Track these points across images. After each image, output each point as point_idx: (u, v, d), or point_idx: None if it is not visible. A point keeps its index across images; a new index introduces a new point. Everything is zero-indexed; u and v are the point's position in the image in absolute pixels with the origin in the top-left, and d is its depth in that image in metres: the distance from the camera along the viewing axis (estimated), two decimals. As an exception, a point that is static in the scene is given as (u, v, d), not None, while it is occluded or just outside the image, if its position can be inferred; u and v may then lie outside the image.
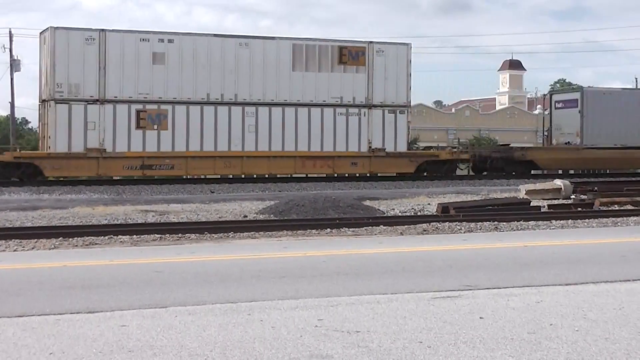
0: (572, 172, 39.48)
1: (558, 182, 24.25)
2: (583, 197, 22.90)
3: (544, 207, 20.52)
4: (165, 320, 6.87)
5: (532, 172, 37.11)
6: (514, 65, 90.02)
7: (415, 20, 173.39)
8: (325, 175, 34.27)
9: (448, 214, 18.44)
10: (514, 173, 35.63)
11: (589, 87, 39.12)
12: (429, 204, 22.00)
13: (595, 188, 24.25)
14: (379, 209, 20.13)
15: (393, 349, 5.90)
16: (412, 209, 20.88)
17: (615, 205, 21.12)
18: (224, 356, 5.72)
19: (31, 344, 6.04)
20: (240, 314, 7.15)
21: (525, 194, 23.30)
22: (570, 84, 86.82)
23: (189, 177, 32.37)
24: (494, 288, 8.52)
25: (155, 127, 30.88)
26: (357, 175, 35.36)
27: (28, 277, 9.38)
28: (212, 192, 27.38)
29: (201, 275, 9.47)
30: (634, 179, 33.16)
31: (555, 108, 39.83)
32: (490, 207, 19.46)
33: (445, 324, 6.71)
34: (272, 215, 18.79)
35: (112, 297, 7.99)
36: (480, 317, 7.00)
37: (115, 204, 21.97)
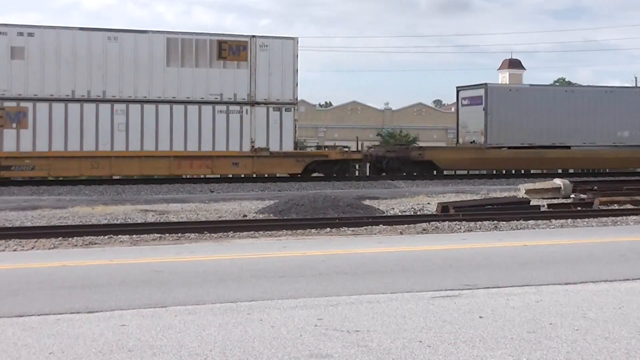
0: (571, 171, 39.17)
1: (558, 182, 24.26)
2: (583, 196, 22.91)
3: (543, 206, 20.53)
4: (165, 320, 6.87)
5: (444, 173, 35.85)
6: (514, 64, 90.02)
7: (414, 19, 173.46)
8: (323, 175, 34.26)
9: (448, 214, 18.45)
10: (415, 174, 34.40)
11: (493, 83, 37.15)
12: (428, 203, 22.01)
13: (595, 187, 24.25)
14: (378, 209, 20.14)
15: (393, 348, 5.90)
16: (412, 208, 20.88)
17: (615, 205, 21.12)
18: (224, 355, 5.72)
19: (31, 344, 6.04)
20: (240, 313, 7.15)
21: (525, 193, 23.30)
22: (570, 83, 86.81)
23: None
24: (493, 287, 8.52)
25: (14, 125, 29.19)
26: (357, 174, 35.36)
27: (28, 277, 9.37)
28: (212, 192, 27.38)
29: (201, 275, 9.47)
30: (634, 178, 33.08)
31: (462, 105, 37.97)
32: (490, 207, 19.47)
33: (445, 323, 6.71)
34: (271, 215, 18.80)
35: (112, 296, 7.99)
36: (480, 317, 7.00)
37: (115, 204, 21.97)
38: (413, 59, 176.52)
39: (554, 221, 17.12)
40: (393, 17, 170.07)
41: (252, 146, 31.70)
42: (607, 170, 39.19)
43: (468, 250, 12.17)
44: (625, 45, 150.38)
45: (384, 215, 19.01)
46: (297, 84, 32.39)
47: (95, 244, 13.68)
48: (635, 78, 74.48)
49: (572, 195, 23.32)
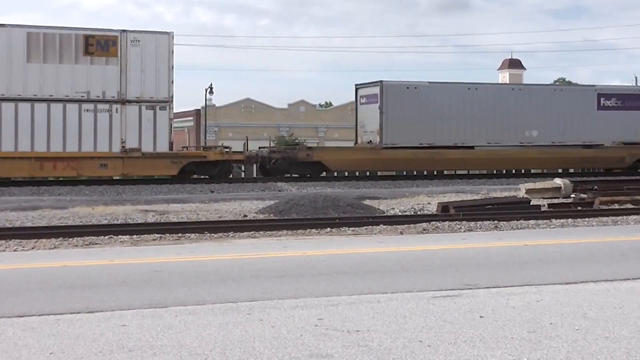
0: (571, 170, 39.04)
1: (558, 181, 24.27)
2: (583, 196, 22.91)
3: (543, 206, 20.53)
4: (165, 320, 6.87)
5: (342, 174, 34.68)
6: (514, 64, 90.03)
7: (414, 19, 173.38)
8: (324, 175, 34.27)
9: (448, 213, 18.44)
10: (309, 175, 33.16)
11: (389, 80, 35.22)
12: (428, 203, 22.01)
13: (595, 187, 24.27)
14: (378, 208, 20.14)
15: (393, 348, 5.90)
16: (412, 208, 20.88)
17: (615, 204, 21.12)
18: (224, 355, 5.72)
19: (31, 344, 6.05)
20: (240, 313, 7.15)
21: (525, 193, 23.31)
22: (570, 82, 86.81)
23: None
24: (493, 287, 8.52)
25: None
26: (357, 174, 35.30)
27: (28, 277, 9.38)
28: (212, 192, 27.38)
29: (201, 275, 9.47)
30: (634, 178, 33.01)
31: (360, 104, 36.17)
32: (490, 206, 19.47)
33: (445, 323, 6.71)
34: (272, 215, 18.79)
35: (112, 296, 7.99)
36: (480, 316, 7.00)
37: (115, 204, 21.97)
38: (413, 59, 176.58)
39: (554, 221, 17.12)
40: (393, 17, 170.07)
41: (123, 147, 29.94)
42: (514, 171, 37.72)
43: (468, 250, 12.17)
44: (625, 44, 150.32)
45: (384, 215, 19.01)
46: (172, 81, 30.65)
47: (96, 244, 13.69)
48: (636, 77, 74.53)
49: (573, 195, 23.33)
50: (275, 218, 18.13)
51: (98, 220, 17.86)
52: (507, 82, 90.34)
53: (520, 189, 24.30)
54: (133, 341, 6.12)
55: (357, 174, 35.89)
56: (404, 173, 36.84)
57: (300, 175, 32.88)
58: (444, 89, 35.57)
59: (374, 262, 10.66)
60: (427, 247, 12.54)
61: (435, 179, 33.86)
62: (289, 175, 33.04)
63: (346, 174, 36.88)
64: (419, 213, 19.58)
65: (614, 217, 17.94)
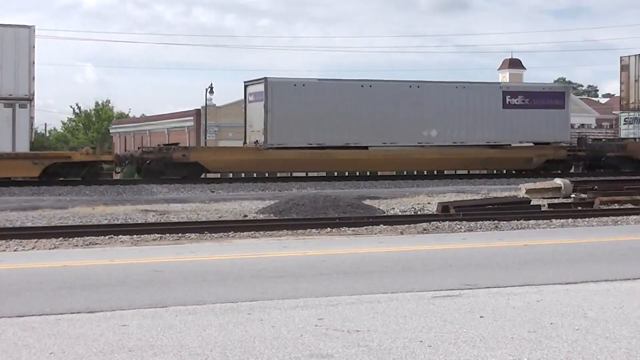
0: (572, 170, 38.98)
1: (558, 181, 24.27)
2: (583, 196, 22.91)
3: (544, 206, 20.52)
4: (166, 320, 6.87)
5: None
6: (514, 64, 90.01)
7: (414, 18, 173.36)
8: (325, 174, 34.25)
9: (448, 213, 18.44)
10: (184, 177, 31.48)
11: (274, 77, 33.54)
12: (429, 203, 22.00)
13: (596, 187, 24.26)
14: (379, 208, 20.13)
15: (393, 348, 5.90)
16: (412, 208, 20.88)
17: (616, 204, 21.11)
18: (224, 355, 5.72)
19: (32, 344, 6.05)
20: (241, 313, 7.15)
21: (526, 193, 23.31)
22: (570, 82, 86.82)
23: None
24: (494, 287, 8.52)
25: None
26: (357, 174, 35.22)
27: (28, 277, 9.38)
28: (212, 192, 27.38)
29: (201, 275, 9.47)
30: (634, 178, 32.95)
31: (249, 102, 34.53)
32: (491, 206, 19.46)
33: (446, 323, 6.71)
34: (272, 215, 18.79)
35: (113, 296, 7.99)
36: (481, 316, 7.00)
37: (116, 204, 21.97)
38: (413, 59, 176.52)
39: (554, 221, 17.12)
40: (393, 17, 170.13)
41: None
42: (416, 173, 36.16)
43: (469, 250, 12.17)
44: (625, 44, 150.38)
45: (385, 215, 19.01)
46: (34, 77, 28.87)
47: (96, 244, 13.68)
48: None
49: (573, 195, 23.32)
50: (276, 218, 18.13)
51: (98, 220, 17.86)
52: (508, 81, 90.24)
53: (521, 189, 24.29)
54: (133, 341, 6.12)
55: (335, 173, 35.14)
56: (291, 174, 34.86)
57: (177, 178, 30.99)
58: (335, 87, 33.83)
59: (374, 262, 10.66)
60: (427, 247, 12.53)
61: (436, 178, 33.80)
62: (164, 177, 31.20)
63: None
64: (419, 213, 19.58)
65: (614, 217, 17.94)
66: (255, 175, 34.73)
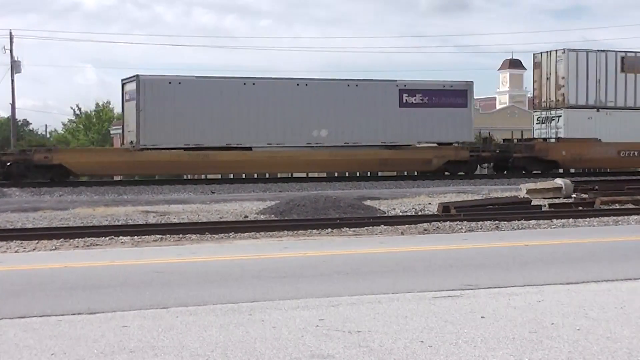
0: (573, 171, 38.72)
1: (559, 181, 24.28)
2: (584, 196, 22.90)
3: (544, 206, 20.52)
4: (167, 321, 6.87)
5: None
6: (514, 64, 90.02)
7: (414, 19, 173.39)
8: (325, 175, 34.25)
9: (449, 214, 18.44)
10: (49, 180, 29.78)
11: (146, 74, 31.77)
12: (429, 203, 22.00)
13: (596, 187, 24.26)
14: (379, 209, 20.13)
15: (394, 349, 5.90)
16: (413, 208, 20.88)
17: (616, 204, 21.11)
18: (225, 356, 5.72)
19: (33, 345, 6.05)
20: (242, 314, 7.15)
21: (526, 193, 23.31)
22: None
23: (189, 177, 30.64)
24: (495, 287, 8.52)
25: None
26: (358, 174, 35.23)
27: (29, 278, 9.38)
28: (213, 193, 27.40)
29: (202, 276, 9.47)
30: (635, 178, 32.90)
31: (125, 100, 32.90)
32: (491, 207, 19.46)
33: (447, 324, 6.71)
34: (272, 216, 18.79)
35: (113, 297, 7.99)
36: (482, 317, 7.00)
37: (116, 205, 21.98)
38: (413, 59, 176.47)
39: (555, 221, 17.11)
40: (393, 17, 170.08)
41: None
42: (308, 175, 34.94)
43: (469, 250, 12.17)
44: (625, 45, 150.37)
45: (385, 215, 19.00)
46: None
47: (97, 245, 13.68)
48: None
49: (574, 195, 23.32)
50: (276, 219, 18.12)
51: (99, 221, 17.86)
52: (508, 81, 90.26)
53: (521, 189, 24.30)
54: (134, 342, 6.12)
55: (346, 174, 35.04)
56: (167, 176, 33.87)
57: (40, 181, 29.46)
58: (214, 85, 32.20)
59: (375, 262, 10.65)
60: (428, 248, 12.53)
61: (436, 179, 33.79)
62: (27, 180, 29.55)
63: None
64: (420, 213, 19.57)
65: (615, 217, 17.93)
66: (124, 178, 33.31)
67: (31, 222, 17.85)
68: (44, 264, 10.80)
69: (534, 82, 38.42)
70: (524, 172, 35.60)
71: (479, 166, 37.57)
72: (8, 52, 54.29)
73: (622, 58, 37.35)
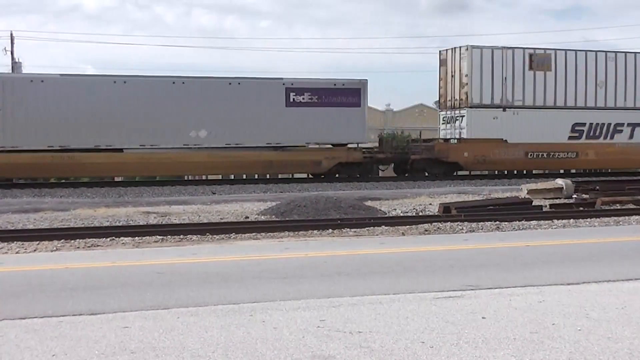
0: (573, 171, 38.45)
1: (560, 182, 24.28)
2: (585, 196, 22.91)
3: (545, 206, 20.52)
4: (168, 322, 6.87)
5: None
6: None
7: (414, 19, 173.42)
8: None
9: (450, 214, 18.44)
10: None
11: (9, 73, 30.00)
12: (430, 204, 22.00)
13: (597, 187, 24.26)
14: (380, 209, 20.13)
15: (395, 349, 5.90)
16: (414, 209, 20.88)
17: (617, 205, 21.11)
18: (226, 357, 5.72)
19: (34, 346, 6.05)
20: (242, 314, 7.15)
21: (527, 193, 23.31)
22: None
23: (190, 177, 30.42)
24: (496, 288, 8.52)
25: None
26: (358, 175, 35.22)
27: (30, 279, 9.38)
28: (214, 193, 27.40)
29: (203, 277, 9.47)
30: (636, 178, 32.86)
31: None
32: (492, 207, 19.47)
33: (448, 324, 6.71)
34: (273, 216, 18.80)
35: (114, 298, 7.99)
36: (483, 317, 7.00)
37: (117, 206, 21.98)
38: (413, 60, 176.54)
39: (556, 221, 17.11)
40: (393, 18, 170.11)
41: None
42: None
43: (470, 250, 12.16)
44: (625, 45, 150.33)
45: (386, 216, 19.00)
46: None
47: (98, 246, 13.69)
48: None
49: (574, 196, 23.33)
50: (277, 219, 18.12)
51: (100, 222, 17.87)
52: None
53: (522, 190, 24.30)
54: (135, 343, 6.12)
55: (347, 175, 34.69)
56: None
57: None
58: (80, 83, 30.77)
59: (375, 263, 10.65)
60: (429, 248, 12.53)
61: (437, 179, 33.77)
62: None
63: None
64: (420, 214, 19.58)
65: (615, 218, 17.93)
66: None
67: (32, 223, 17.86)
68: (45, 265, 10.80)
69: (439, 80, 36.95)
70: (426, 174, 34.46)
71: (378, 168, 36.24)
72: (9, 53, 54.32)
73: (530, 55, 36.08)
